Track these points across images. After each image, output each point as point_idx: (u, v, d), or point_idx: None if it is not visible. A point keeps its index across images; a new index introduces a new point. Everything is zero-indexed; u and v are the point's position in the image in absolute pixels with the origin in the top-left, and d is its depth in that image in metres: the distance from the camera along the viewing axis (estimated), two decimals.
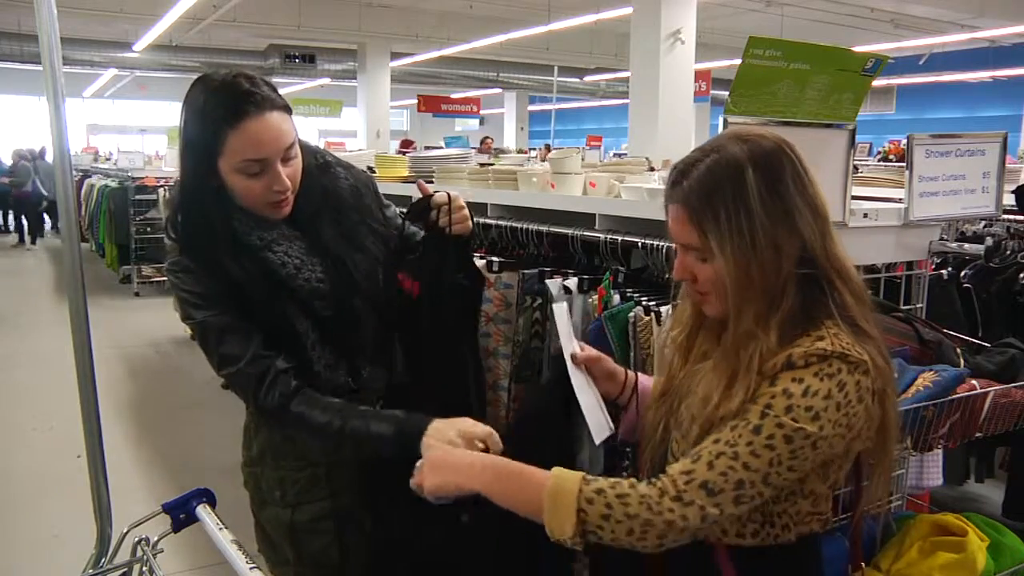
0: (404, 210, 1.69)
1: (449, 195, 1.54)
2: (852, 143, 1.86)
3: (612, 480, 1.11)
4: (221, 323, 1.42)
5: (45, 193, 13.41)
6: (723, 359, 1.16)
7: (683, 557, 1.14)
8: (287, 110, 1.41)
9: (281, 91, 1.43)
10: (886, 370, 1.13)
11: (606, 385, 1.45)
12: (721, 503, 1.06)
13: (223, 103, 1.34)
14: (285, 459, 1.58)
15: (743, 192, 1.11)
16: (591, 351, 1.45)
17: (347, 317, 1.50)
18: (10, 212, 14.10)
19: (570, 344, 1.44)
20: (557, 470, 1.14)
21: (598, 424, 1.38)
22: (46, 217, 13.80)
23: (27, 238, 13.23)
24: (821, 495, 1.18)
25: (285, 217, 1.47)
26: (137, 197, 8.48)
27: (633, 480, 1.10)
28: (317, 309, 1.47)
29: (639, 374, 1.50)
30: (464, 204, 1.56)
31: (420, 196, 1.59)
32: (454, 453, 1.26)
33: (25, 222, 13.47)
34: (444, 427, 1.34)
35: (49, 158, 11.58)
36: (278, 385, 1.42)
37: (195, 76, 1.44)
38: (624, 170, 2.76)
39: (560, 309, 1.48)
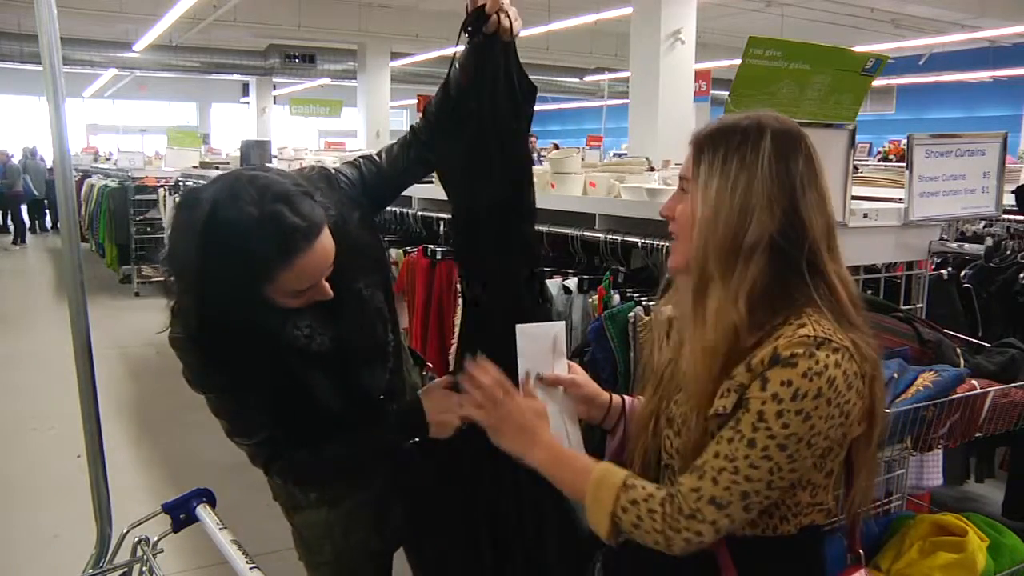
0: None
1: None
2: (852, 143, 1.86)
3: (647, 491, 1.15)
4: (230, 397, 1.42)
5: (36, 193, 13.48)
6: (694, 323, 1.17)
7: None
8: (328, 217, 1.31)
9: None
10: (873, 358, 1.14)
11: (587, 409, 1.43)
12: (731, 513, 1.11)
13: (271, 241, 1.21)
14: None
15: (753, 146, 1.13)
16: (562, 375, 1.41)
17: (354, 367, 1.49)
18: (9, 213, 14.16)
19: (545, 366, 1.39)
20: (600, 472, 1.20)
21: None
22: (25, 217, 13.93)
23: (16, 238, 13.29)
24: (819, 485, 1.18)
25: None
26: (137, 197, 8.47)
27: (665, 494, 1.14)
28: (326, 372, 1.45)
29: (625, 397, 1.47)
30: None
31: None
32: (535, 425, 1.31)
33: (12, 223, 13.58)
34: (437, 401, 1.44)
35: (48, 158, 11.61)
36: (283, 462, 1.47)
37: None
38: (624, 170, 2.76)
39: (523, 330, 1.39)
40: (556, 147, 9.29)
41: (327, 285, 1.33)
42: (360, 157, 1.60)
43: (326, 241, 1.29)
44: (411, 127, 1.61)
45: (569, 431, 1.39)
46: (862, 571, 1.42)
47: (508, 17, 1.40)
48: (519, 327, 1.39)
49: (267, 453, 1.45)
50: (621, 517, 1.15)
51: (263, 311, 1.32)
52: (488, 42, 1.43)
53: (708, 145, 1.17)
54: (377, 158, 1.60)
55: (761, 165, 1.12)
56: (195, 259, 1.22)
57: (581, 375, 1.44)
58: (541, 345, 1.39)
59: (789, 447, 1.08)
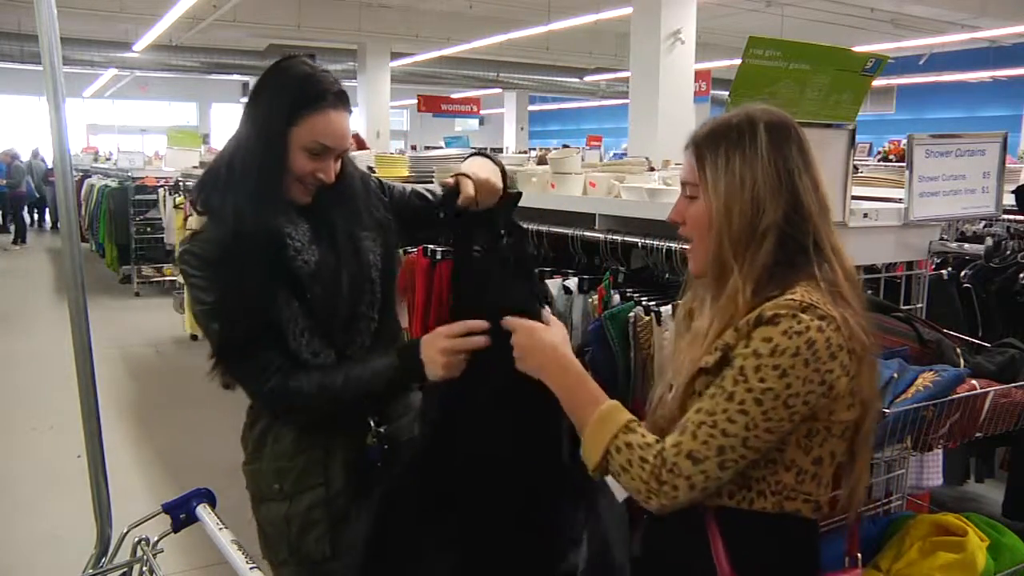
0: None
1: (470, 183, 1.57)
2: (852, 143, 1.86)
3: (646, 440, 1.18)
4: (229, 309, 1.49)
5: (37, 195, 13.50)
6: (710, 314, 1.23)
7: (676, 513, 1.18)
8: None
9: None
10: (862, 339, 1.17)
11: None
12: (707, 470, 1.13)
13: (311, 88, 1.48)
14: (282, 449, 1.60)
15: (751, 141, 1.20)
16: None
17: (335, 303, 1.54)
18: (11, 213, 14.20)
19: None
20: (609, 407, 1.23)
21: None
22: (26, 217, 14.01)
23: (17, 238, 13.31)
24: (806, 471, 1.19)
25: (302, 203, 1.55)
26: (137, 197, 8.48)
27: (659, 447, 1.16)
28: (308, 291, 1.51)
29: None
30: (483, 179, 1.59)
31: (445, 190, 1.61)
32: (553, 348, 1.32)
33: (13, 223, 13.62)
34: (431, 338, 1.45)
35: (48, 158, 11.62)
36: (275, 369, 1.49)
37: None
38: (624, 170, 2.76)
39: None
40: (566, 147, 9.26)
41: (333, 168, 1.52)
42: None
43: (347, 123, 1.52)
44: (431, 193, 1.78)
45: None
46: (858, 571, 1.43)
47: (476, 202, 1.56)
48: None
49: (261, 362, 1.49)
50: (613, 456, 1.18)
51: (274, 189, 1.49)
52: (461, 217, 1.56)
53: (708, 147, 1.23)
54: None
55: (761, 157, 1.19)
56: (251, 94, 1.52)
57: None
58: None
59: (765, 403, 1.11)
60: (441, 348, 1.43)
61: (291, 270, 1.50)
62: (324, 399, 1.50)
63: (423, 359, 1.45)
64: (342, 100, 1.52)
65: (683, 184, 1.29)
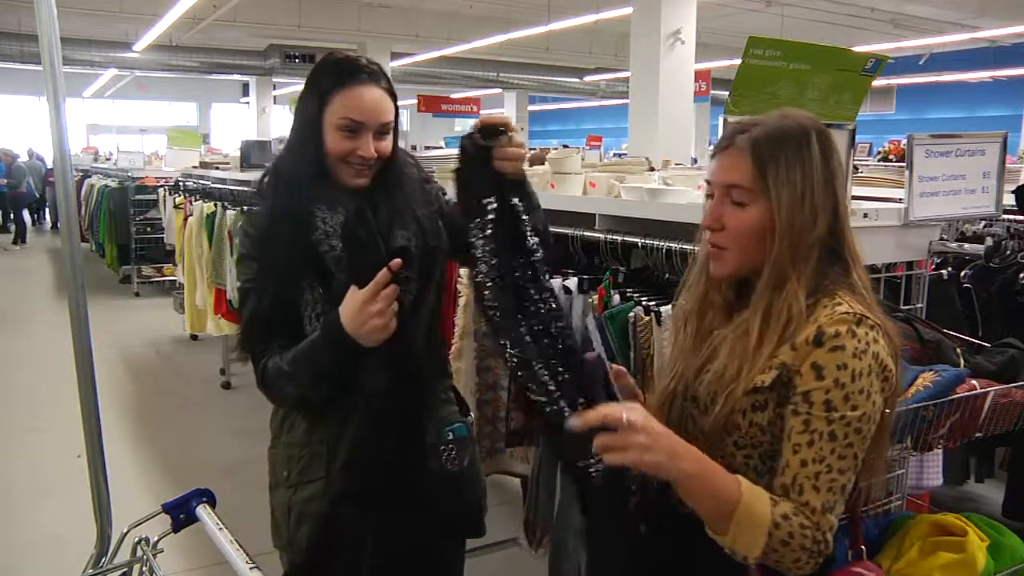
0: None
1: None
2: (852, 143, 1.86)
3: (792, 508, 1.13)
4: (255, 288, 1.53)
5: (37, 195, 13.50)
6: (752, 318, 1.21)
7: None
8: (393, 96, 1.57)
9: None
10: (896, 339, 1.21)
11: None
12: (838, 510, 1.16)
13: (342, 68, 1.52)
14: (294, 437, 1.61)
15: (807, 152, 1.21)
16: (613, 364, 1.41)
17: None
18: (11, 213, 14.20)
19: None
20: (747, 486, 1.13)
21: None
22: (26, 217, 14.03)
23: (17, 238, 13.31)
24: None
25: (359, 188, 1.55)
26: (137, 197, 8.47)
27: (806, 515, 1.13)
28: (334, 277, 1.51)
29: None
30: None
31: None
32: (667, 436, 1.14)
33: (13, 223, 13.62)
34: (347, 299, 1.43)
35: (48, 158, 11.61)
36: (273, 350, 1.51)
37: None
38: (624, 170, 2.76)
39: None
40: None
41: (372, 145, 1.51)
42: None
43: (383, 99, 1.53)
44: None
45: None
46: (866, 563, 1.43)
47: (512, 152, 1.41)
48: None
49: (261, 356, 1.51)
50: (773, 533, 1.11)
51: (311, 172, 1.52)
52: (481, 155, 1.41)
53: (770, 155, 1.21)
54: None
55: (816, 169, 1.21)
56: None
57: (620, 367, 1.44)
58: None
59: (863, 427, 1.14)
60: (354, 309, 1.40)
61: (318, 254, 1.51)
62: (283, 377, 1.49)
63: (343, 323, 1.42)
64: (375, 78, 1.52)
65: (727, 187, 1.24)
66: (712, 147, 1.36)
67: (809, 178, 1.20)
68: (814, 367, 1.14)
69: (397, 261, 1.41)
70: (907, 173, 1.93)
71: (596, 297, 2.14)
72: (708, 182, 1.29)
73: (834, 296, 1.19)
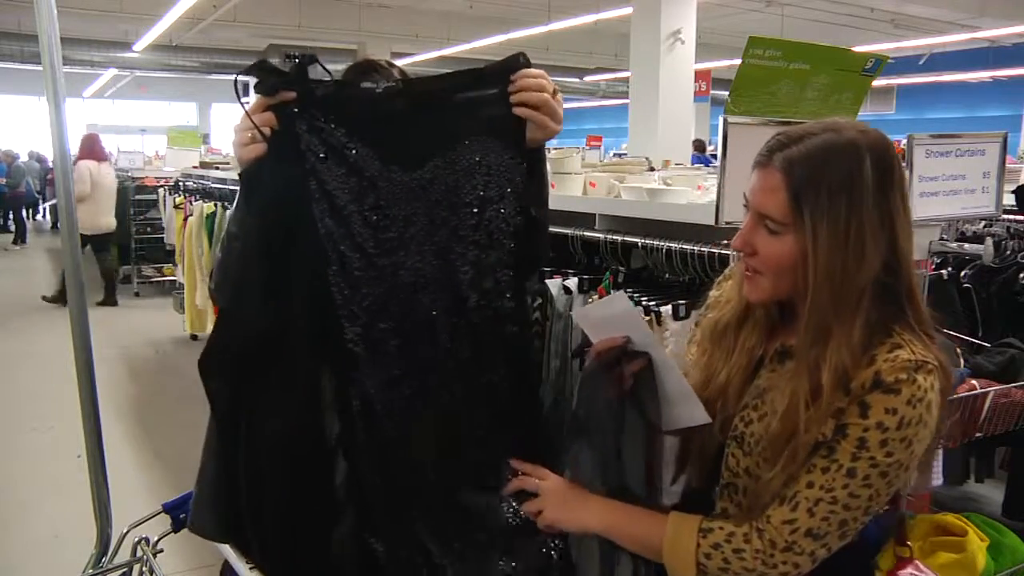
0: None
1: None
2: None
3: (726, 531, 1.12)
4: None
5: (36, 195, 13.51)
6: (799, 367, 1.10)
7: None
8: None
9: None
10: (949, 371, 1.12)
11: None
12: (829, 543, 1.08)
13: (353, 69, 1.60)
14: None
15: (857, 180, 1.03)
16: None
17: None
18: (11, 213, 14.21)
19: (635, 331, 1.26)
20: (674, 523, 1.15)
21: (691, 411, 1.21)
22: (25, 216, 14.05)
23: (17, 238, 13.32)
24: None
25: None
26: (137, 197, 8.47)
27: (746, 530, 1.11)
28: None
29: None
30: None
31: None
32: (579, 493, 1.22)
33: (13, 223, 13.63)
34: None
35: (48, 158, 11.63)
36: None
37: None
38: (624, 170, 2.76)
39: (586, 313, 1.34)
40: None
41: None
42: None
43: None
44: None
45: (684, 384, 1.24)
46: (915, 564, 1.43)
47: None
48: (578, 312, 1.35)
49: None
50: (706, 564, 1.11)
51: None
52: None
53: (808, 183, 1.04)
54: None
55: (866, 202, 1.04)
56: None
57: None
58: (615, 320, 1.25)
59: (890, 474, 1.06)
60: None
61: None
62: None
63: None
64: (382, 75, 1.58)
65: (760, 215, 1.09)
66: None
67: (857, 214, 1.03)
68: (860, 404, 1.05)
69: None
70: (907, 173, 1.93)
71: (596, 297, 2.14)
72: (746, 195, 1.15)
73: (891, 334, 1.07)
